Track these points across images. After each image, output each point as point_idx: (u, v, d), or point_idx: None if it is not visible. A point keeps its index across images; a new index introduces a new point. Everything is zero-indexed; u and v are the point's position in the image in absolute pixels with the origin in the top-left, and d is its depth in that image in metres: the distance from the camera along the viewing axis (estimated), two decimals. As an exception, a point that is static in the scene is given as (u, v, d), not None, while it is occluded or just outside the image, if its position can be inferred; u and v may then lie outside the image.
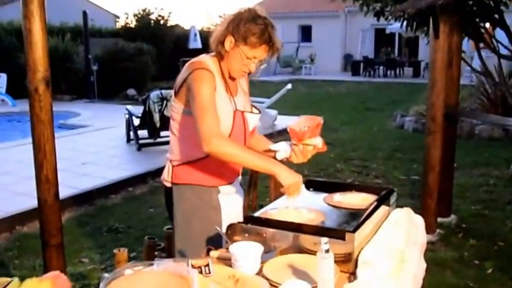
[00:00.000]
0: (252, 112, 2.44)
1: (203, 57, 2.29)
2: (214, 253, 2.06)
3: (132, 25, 20.60)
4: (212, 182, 2.36)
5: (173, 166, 2.38)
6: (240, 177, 2.53)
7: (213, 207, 2.37)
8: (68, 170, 6.72)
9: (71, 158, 7.50)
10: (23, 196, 5.50)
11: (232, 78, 2.35)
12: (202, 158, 2.28)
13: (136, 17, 20.61)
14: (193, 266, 1.83)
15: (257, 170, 2.45)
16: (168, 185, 2.41)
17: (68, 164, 7.05)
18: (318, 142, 2.36)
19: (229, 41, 2.21)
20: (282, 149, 2.40)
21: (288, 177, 2.12)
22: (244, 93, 2.46)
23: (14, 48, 14.11)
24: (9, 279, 1.61)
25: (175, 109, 2.32)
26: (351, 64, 25.70)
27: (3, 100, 13.40)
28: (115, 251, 2.31)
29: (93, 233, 4.88)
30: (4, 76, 13.56)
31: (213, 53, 2.29)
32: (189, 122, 2.22)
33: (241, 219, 2.28)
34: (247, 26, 2.17)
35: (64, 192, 5.50)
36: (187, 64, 2.28)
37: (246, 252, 1.87)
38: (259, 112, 2.51)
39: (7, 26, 16.02)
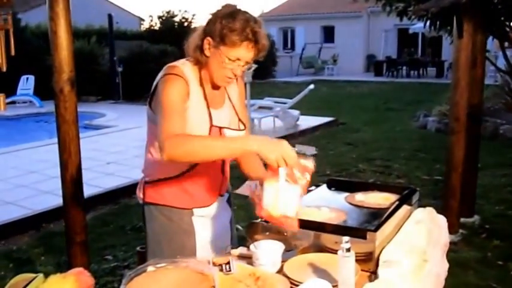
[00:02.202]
0: (234, 129, 2.08)
1: (180, 62, 2.00)
2: (235, 251, 2.08)
3: (157, 27, 20.80)
4: (184, 203, 2.08)
5: (145, 182, 2.13)
6: (226, 194, 2.26)
7: (185, 230, 2.09)
8: (93, 169, 6.82)
9: (95, 157, 7.60)
10: (49, 195, 5.61)
11: (217, 87, 2.05)
12: (175, 176, 2.03)
13: (160, 20, 20.80)
14: (214, 264, 1.84)
15: (231, 157, 2.01)
16: (141, 202, 2.17)
17: (93, 163, 7.15)
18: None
19: (207, 44, 1.93)
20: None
21: (270, 148, 1.69)
22: (230, 107, 2.13)
23: (41, 50, 14.33)
24: (34, 275, 1.65)
25: (150, 120, 2.04)
26: (374, 64, 25.51)
27: (31, 101, 13.66)
28: (138, 248, 2.35)
29: (116, 232, 4.94)
30: (32, 78, 13.81)
31: (191, 60, 2.00)
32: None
33: (228, 242, 2.20)
34: (224, 23, 1.88)
35: (89, 191, 5.62)
36: (164, 68, 2.00)
37: (266, 250, 1.88)
38: (245, 128, 2.14)
39: (35, 29, 16.33)
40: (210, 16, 1.95)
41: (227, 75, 1.96)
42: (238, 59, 1.92)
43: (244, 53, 1.90)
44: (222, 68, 1.93)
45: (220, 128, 2.03)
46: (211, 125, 2.00)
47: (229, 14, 1.89)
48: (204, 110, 2.00)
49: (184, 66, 1.98)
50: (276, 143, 1.71)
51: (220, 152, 1.77)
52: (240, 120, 2.15)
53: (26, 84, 13.92)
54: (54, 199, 4.96)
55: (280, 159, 1.68)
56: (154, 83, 1.98)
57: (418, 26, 17.55)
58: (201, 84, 2.01)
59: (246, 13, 1.92)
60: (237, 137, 1.94)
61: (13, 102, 13.72)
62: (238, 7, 1.94)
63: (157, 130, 1.82)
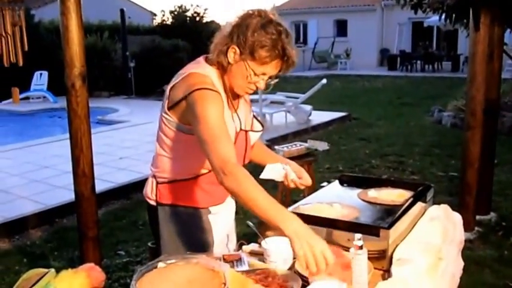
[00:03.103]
0: (256, 131, 2.08)
1: (206, 71, 1.88)
2: (246, 247, 2.06)
3: (169, 22, 20.81)
4: (202, 202, 2.04)
5: (158, 183, 2.06)
6: None
7: (203, 229, 2.07)
8: (106, 164, 6.85)
9: (108, 152, 7.63)
10: (62, 189, 5.63)
11: (236, 95, 1.98)
12: (193, 178, 1.99)
13: (172, 14, 20.80)
14: (225, 260, 1.83)
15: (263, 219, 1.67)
16: (152, 203, 2.09)
17: (106, 158, 7.18)
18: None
19: (232, 52, 1.82)
20: (274, 173, 2.07)
21: (303, 243, 1.50)
22: (245, 103, 2.08)
23: (55, 46, 14.39)
24: (46, 270, 1.64)
25: (168, 123, 1.95)
26: (388, 59, 25.32)
27: (44, 97, 13.75)
28: (149, 244, 2.33)
29: (129, 227, 4.95)
30: (45, 73, 13.90)
31: (214, 63, 1.90)
32: (183, 140, 1.92)
33: (235, 237, 2.22)
34: (255, 36, 1.77)
35: (101, 186, 5.65)
36: (186, 75, 1.88)
37: (278, 247, 1.86)
38: (263, 128, 2.13)
39: (48, 25, 16.40)
40: (238, 20, 1.83)
41: (249, 88, 1.90)
42: (264, 74, 1.85)
43: (272, 69, 1.85)
44: (245, 81, 1.86)
45: (246, 131, 2.02)
46: (239, 131, 1.97)
47: (262, 25, 1.78)
48: (230, 116, 1.95)
49: (212, 75, 1.89)
50: (314, 241, 1.51)
51: (257, 212, 1.59)
52: (255, 118, 2.12)
53: (40, 79, 14.02)
54: (68, 194, 4.99)
55: (310, 258, 1.49)
56: (179, 93, 1.86)
57: (433, 19, 17.34)
58: (225, 91, 1.93)
59: (278, 25, 1.80)
60: (282, 210, 1.60)
61: (27, 98, 13.86)
62: (270, 15, 1.82)
63: (207, 152, 1.71)
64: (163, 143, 2.01)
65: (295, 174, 2.09)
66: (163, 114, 1.95)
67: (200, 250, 1.90)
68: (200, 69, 1.89)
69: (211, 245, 2.06)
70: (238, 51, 1.81)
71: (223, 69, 1.88)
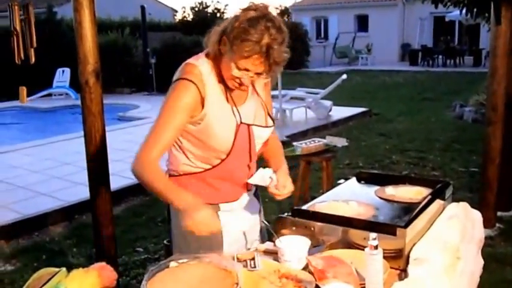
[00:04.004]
0: (261, 126, 2.01)
1: (199, 61, 1.90)
2: (261, 246, 2.04)
3: (189, 18, 20.89)
4: (210, 198, 1.97)
5: (170, 176, 2.06)
6: (254, 188, 2.16)
7: None
8: (125, 161, 6.77)
9: (128, 149, 7.63)
10: (82, 186, 5.63)
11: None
12: (199, 172, 1.98)
13: (193, 11, 20.88)
14: (238, 260, 1.81)
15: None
16: None
17: (125, 155, 7.16)
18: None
19: (223, 44, 1.81)
20: (261, 179, 1.99)
21: (190, 214, 1.74)
22: (256, 100, 2.03)
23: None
24: (57, 269, 1.64)
25: None
26: (409, 53, 25.03)
27: (66, 94, 13.88)
28: (165, 242, 2.32)
29: (147, 223, 4.96)
30: (68, 70, 14.01)
31: (211, 55, 1.90)
32: (184, 132, 1.92)
33: (257, 236, 2.17)
34: (241, 28, 1.73)
35: (121, 182, 5.67)
36: (181, 66, 1.93)
37: (292, 246, 1.84)
38: (274, 124, 2.08)
39: (69, 22, 16.53)
40: (238, 12, 1.81)
41: (235, 81, 1.85)
42: (246, 70, 1.78)
43: (253, 66, 1.77)
44: (230, 73, 1.82)
45: (249, 125, 1.95)
46: (240, 123, 1.93)
47: (251, 19, 1.73)
48: (227, 108, 1.92)
49: (203, 65, 1.89)
50: (198, 212, 1.74)
51: (161, 197, 1.86)
52: (269, 115, 2.06)
53: (62, 76, 14.13)
54: (87, 191, 5.00)
55: (194, 227, 1.74)
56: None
57: (454, 14, 17.15)
58: (221, 81, 1.90)
59: (269, 21, 1.74)
60: (176, 190, 1.85)
61: (49, 95, 14.00)
62: (268, 10, 1.78)
63: (148, 132, 1.86)
64: None
65: (277, 184, 1.98)
66: None
67: (210, 247, 1.89)
68: (194, 60, 1.91)
69: (221, 243, 2.02)
70: (228, 42, 1.78)
71: (218, 60, 1.87)
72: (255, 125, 1.98)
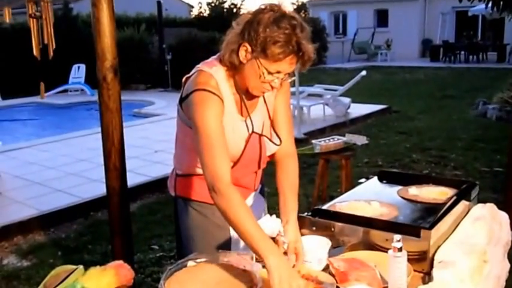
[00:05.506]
0: (270, 140, 1.96)
1: (213, 70, 1.81)
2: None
3: (206, 14, 20.91)
4: None
5: (177, 175, 2.06)
6: (259, 186, 2.13)
7: (218, 225, 1.97)
8: (141, 157, 6.88)
9: (143, 146, 7.67)
10: (97, 183, 5.66)
11: (251, 96, 1.88)
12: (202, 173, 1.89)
13: (209, 6, 20.89)
14: (257, 260, 1.77)
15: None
16: (173, 194, 2.11)
17: (141, 151, 7.21)
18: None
19: (244, 51, 1.72)
20: (268, 225, 1.83)
21: (279, 280, 1.51)
22: (264, 109, 1.97)
23: (92, 39, 14.66)
24: (74, 267, 1.63)
25: (179, 114, 1.95)
26: (430, 49, 24.73)
27: (82, 90, 13.98)
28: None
29: (163, 221, 4.93)
30: (83, 66, 14.12)
31: (226, 63, 1.80)
32: (189, 133, 1.84)
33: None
34: (267, 32, 1.65)
35: (136, 179, 5.68)
36: (196, 72, 1.84)
37: (312, 247, 1.81)
38: (280, 143, 1.98)
39: (86, 18, 16.64)
40: (250, 16, 1.72)
41: (264, 88, 1.78)
42: (279, 72, 1.73)
43: (287, 66, 1.71)
44: (259, 81, 1.74)
45: (260, 135, 1.92)
46: (252, 132, 1.90)
47: (274, 20, 1.67)
48: (240, 117, 1.88)
49: (217, 73, 1.80)
50: (293, 278, 1.52)
51: (242, 237, 1.64)
52: (274, 130, 1.99)
53: (78, 72, 14.25)
54: (102, 187, 4.98)
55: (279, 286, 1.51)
56: (186, 90, 1.83)
57: (478, 8, 16.86)
58: (238, 93, 1.86)
59: (292, 19, 1.69)
60: (266, 241, 1.61)
61: (65, 91, 14.13)
62: (284, 9, 1.72)
63: (201, 162, 1.73)
64: (177, 135, 2.02)
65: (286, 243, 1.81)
66: (177, 105, 1.93)
67: (216, 246, 1.90)
68: (208, 68, 1.82)
69: (227, 242, 1.99)
70: (249, 49, 1.70)
71: (235, 69, 1.79)
72: (265, 136, 1.94)
